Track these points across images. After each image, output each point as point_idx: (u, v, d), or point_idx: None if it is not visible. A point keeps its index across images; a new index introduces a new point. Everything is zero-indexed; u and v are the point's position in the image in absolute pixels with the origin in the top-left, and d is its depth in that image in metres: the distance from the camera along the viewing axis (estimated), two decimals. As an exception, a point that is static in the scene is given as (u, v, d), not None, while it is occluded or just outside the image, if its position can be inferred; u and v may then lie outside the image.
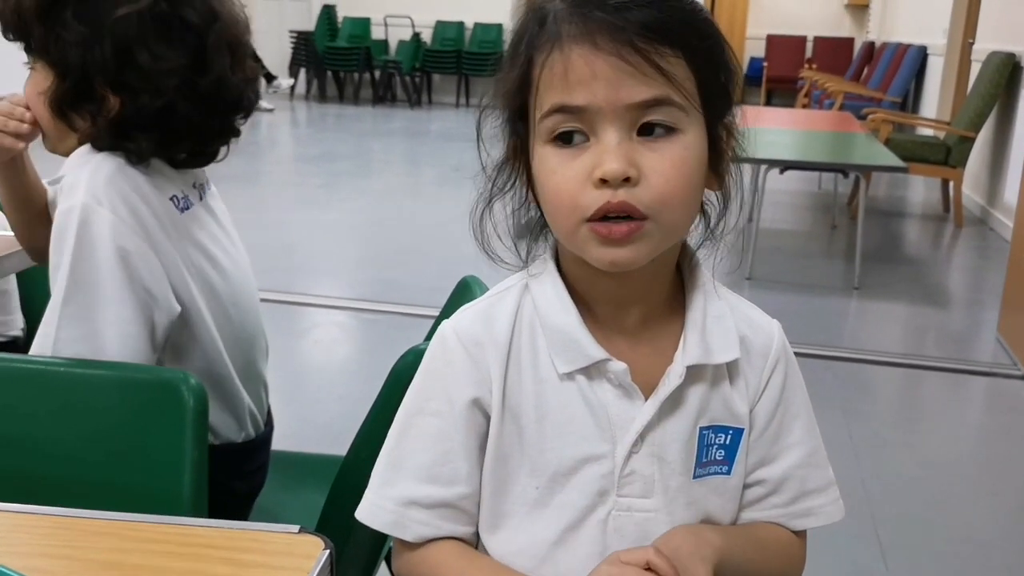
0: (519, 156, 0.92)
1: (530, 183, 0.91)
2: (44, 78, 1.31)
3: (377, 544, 1.41)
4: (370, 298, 4.13)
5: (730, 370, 0.93)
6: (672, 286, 0.94)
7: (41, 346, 1.23)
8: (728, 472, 0.94)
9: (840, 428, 2.89)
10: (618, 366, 0.89)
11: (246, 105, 1.38)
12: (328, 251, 5.05)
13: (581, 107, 0.81)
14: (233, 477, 1.42)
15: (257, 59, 1.42)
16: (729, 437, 0.93)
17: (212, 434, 1.36)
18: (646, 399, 0.90)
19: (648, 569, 0.84)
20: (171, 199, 1.34)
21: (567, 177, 0.83)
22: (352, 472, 1.25)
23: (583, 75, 0.81)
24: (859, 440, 2.85)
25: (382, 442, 1.21)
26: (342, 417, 2.67)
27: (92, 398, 1.19)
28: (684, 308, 0.93)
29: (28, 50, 1.33)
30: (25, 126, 1.38)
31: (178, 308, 1.29)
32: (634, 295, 0.92)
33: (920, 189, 7.37)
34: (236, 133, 1.40)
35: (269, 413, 1.55)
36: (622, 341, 0.91)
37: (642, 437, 0.90)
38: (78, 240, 1.21)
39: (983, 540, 2.41)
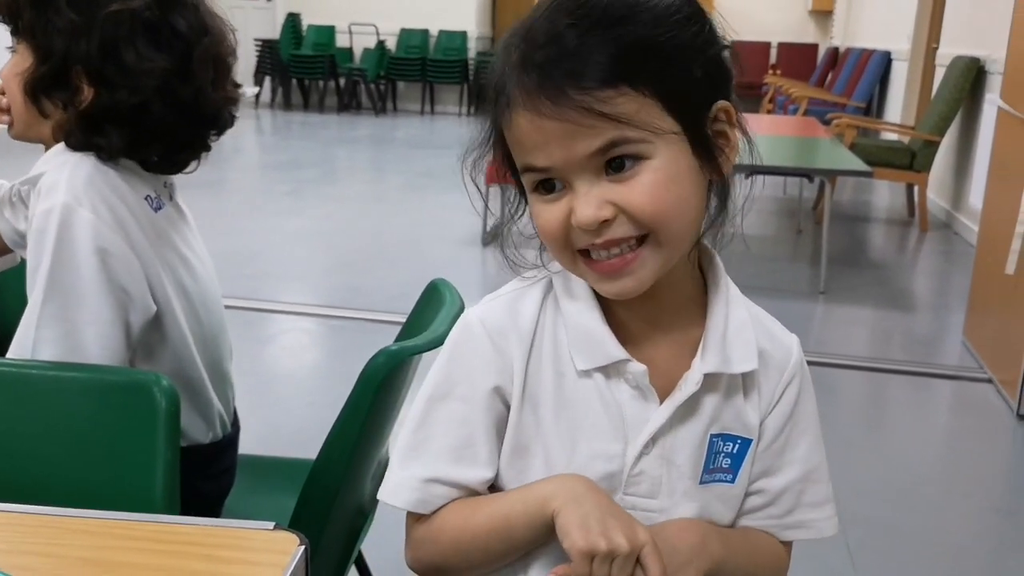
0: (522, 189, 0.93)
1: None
2: (23, 59, 1.32)
3: (348, 545, 1.40)
4: (336, 304, 4.10)
5: (746, 381, 0.95)
6: (694, 289, 0.95)
7: (21, 346, 1.25)
8: (732, 481, 0.95)
9: (809, 432, 2.88)
10: (637, 367, 0.90)
11: (221, 124, 1.40)
12: (294, 258, 5.01)
13: (544, 168, 0.84)
14: (201, 478, 1.42)
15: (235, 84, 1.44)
16: (737, 446, 0.95)
17: (181, 435, 1.36)
18: (660, 402, 0.91)
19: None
20: (145, 199, 1.35)
21: (550, 220, 0.86)
22: (324, 473, 1.27)
23: (536, 140, 0.83)
24: (827, 443, 2.84)
25: (355, 444, 1.22)
26: (309, 421, 2.64)
27: (65, 400, 1.20)
28: (705, 313, 0.94)
29: (14, 32, 1.33)
30: (5, 118, 1.39)
31: (154, 308, 1.31)
32: (651, 303, 0.92)
33: (885, 193, 7.43)
34: (207, 147, 1.41)
35: (235, 414, 1.56)
36: (641, 342, 0.93)
37: (654, 439, 0.92)
38: (58, 240, 1.22)
39: (951, 542, 2.41)
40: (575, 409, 0.91)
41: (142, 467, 1.15)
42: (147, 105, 1.29)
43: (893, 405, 3.41)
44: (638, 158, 0.82)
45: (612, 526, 0.84)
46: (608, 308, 0.92)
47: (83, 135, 1.30)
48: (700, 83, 0.84)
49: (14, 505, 0.94)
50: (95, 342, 1.24)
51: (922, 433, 3.14)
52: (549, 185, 0.85)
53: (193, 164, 1.42)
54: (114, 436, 1.18)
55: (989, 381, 3.42)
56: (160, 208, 1.37)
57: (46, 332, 1.23)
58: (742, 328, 0.93)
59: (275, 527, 0.89)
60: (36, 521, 0.92)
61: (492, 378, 0.92)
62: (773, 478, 0.97)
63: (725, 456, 0.94)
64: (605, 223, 0.83)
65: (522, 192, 0.92)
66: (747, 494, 0.97)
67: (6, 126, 1.41)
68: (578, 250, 0.86)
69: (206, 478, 1.45)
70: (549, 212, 0.85)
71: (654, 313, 0.93)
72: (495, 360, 0.92)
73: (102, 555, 0.87)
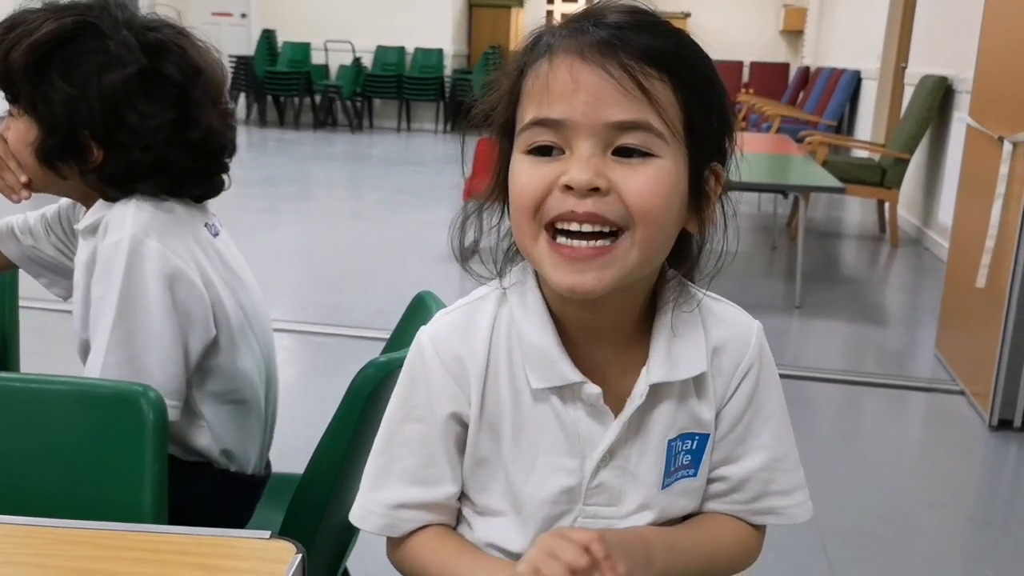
0: (500, 172, 0.91)
1: (507, 198, 0.90)
2: (29, 131, 1.33)
3: (336, 561, 1.40)
4: (314, 320, 4.09)
5: (697, 383, 0.94)
6: (647, 310, 0.95)
7: (91, 370, 1.29)
8: (695, 475, 0.96)
9: (786, 444, 2.91)
10: (592, 389, 0.90)
11: (230, 147, 1.44)
12: (272, 274, 4.99)
13: (560, 121, 0.82)
14: (232, 504, 1.46)
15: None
16: (696, 443, 0.95)
17: (229, 458, 1.43)
18: (615, 416, 0.92)
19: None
20: (205, 226, 1.40)
21: (533, 179, 0.84)
22: (312, 487, 1.27)
23: (566, 86, 0.82)
24: (804, 455, 2.87)
25: (342, 457, 1.22)
26: (289, 436, 2.63)
27: (52, 412, 1.20)
28: None
29: (12, 101, 1.35)
30: (21, 182, 1.38)
31: (214, 332, 1.35)
32: (605, 321, 0.92)
33: (856, 210, 7.51)
34: (225, 169, 1.45)
35: (268, 460, 1.58)
36: (594, 358, 0.93)
37: (610, 452, 0.92)
38: (127, 270, 1.27)
39: (929, 552, 2.44)
40: (533, 426, 0.92)
41: (130, 479, 1.15)
42: (163, 157, 1.33)
43: (868, 417, 3.45)
44: (649, 154, 0.82)
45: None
46: (560, 326, 0.92)
47: (114, 193, 1.34)
48: (712, 130, 0.87)
49: (0, 516, 0.93)
50: (156, 367, 1.28)
51: (897, 444, 3.17)
52: (544, 150, 0.84)
53: (227, 180, 1.47)
54: (101, 448, 1.18)
55: (961, 393, 3.47)
56: (217, 234, 1.43)
57: (114, 357, 1.27)
58: (689, 332, 0.93)
59: (271, 536, 0.89)
60: (23, 532, 0.91)
61: (448, 404, 0.93)
62: (734, 465, 0.97)
63: (685, 454, 0.95)
64: (595, 191, 0.81)
65: (502, 167, 0.91)
66: (710, 481, 0.98)
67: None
68: (547, 225, 0.84)
69: (238, 507, 1.47)
70: (536, 171, 0.83)
71: (606, 332, 0.93)
72: (449, 386, 0.93)
73: (92, 565, 0.87)
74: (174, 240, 1.31)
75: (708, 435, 0.95)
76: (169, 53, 1.33)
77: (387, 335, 1.53)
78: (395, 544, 0.98)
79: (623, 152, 0.82)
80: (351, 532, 1.46)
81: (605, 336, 0.93)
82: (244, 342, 1.42)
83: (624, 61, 0.81)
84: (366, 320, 3.97)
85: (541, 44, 0.86)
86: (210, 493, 1.41)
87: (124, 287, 1.26)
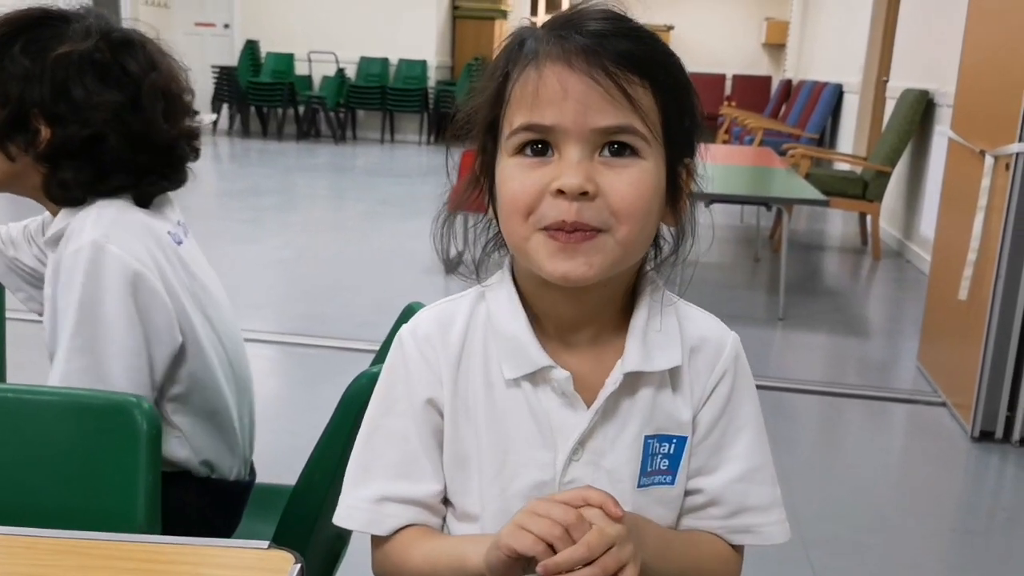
0: (485, 172, 0.94)
1: (492, 199, 0.94)
2: None
3: (327, 569, 1.40)
4: (298, 332, 4.08)
5: (673, 378, 0.96)
6: (625, 307, 0.97)
7: (53, 378, 1.29)
8: (672, 482, 0.96)
9: (770, 455, 2.92)
10: (561, 374, 0.92)
11: (179, 154, 1.43)
12: (255, 285, 4.98)
13: (549, 127, 0.86)
14: (217, 513, 1.46)
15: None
16: (673, 446, 0.95)
17: (209, 467, 1.43)
18: (590, 406, 0.92)
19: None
20: (168, 234, 1.40)
21: (525, 184, 0.87)
22: (305, 497, 1.27)
23: (555, 93, 0.85)
24: (788, 466, 2.89)
25: (336, 467, 1.22)
26: (276, 448, 2.63)
27: (45, 423, 1.19)
28: None
29: None
30: None
31: (180, 339, 1.35)
32: (583, 316, 0.94)
33: (838, 222, 7.56)
34: (179, 178, 1.44)
35: (252, 464, 1.58)
36: (569, 352, 0.94)
37: (582, 444, 0.92)
38: (87, 277, 1.26)
39: (912, 562, 2.46)
40: (505, 419, 0.93)
41: (123, 490, 1.15)
42: (101, 138, 1.33)
43: (851, 429, 3.47)
44: (636, 153, 0.87)
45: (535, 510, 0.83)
46: (538, 322, 0.94)
47: (47, 173, 1.34)
48: (684, 129, 0.91)
49: (-5, 527, 0.92)
50: (122, 374, 1.28)
51: (880, 456, 3.19)
52: (537, 149, 0.87)
53: (190, 174, 1.46)
54: (94, 459, 1.17)
55: (943, 405, 3.49)
56: (180, 242, 1.42)
57: (74, 364, 1.27)
58: (666, 327, 0.95)
59: (269, 546, 0.88)
60: (19, 543, 0.90)
61: (424, 390, 0.94)
62: (711, 476, 0.97)
63: (662, 458, 0.95)
64: (584, 195, 0.85)
65: (484, 173, 0.93)
66: (687, 493, 0.98)
67: None
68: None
69: (223, 515, 1.47)
70: (528, 177, 0.87)
71: (582, 330, 0.95)
72: (424, 371, 0.94)
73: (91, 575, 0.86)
74: (135, 244, 1.31)
75: (686, 438, 0.96)
76: (130, 48, 1.36)
77: (372, 347, 1.53)
78: (379, 545, 0.97)
79: (610, 152, 0.86)
80: (342, 542, 1.46)
81: (582, 329, 0.95)
82: (212, 352, 1.41)
83: (609, 68, 0.85)
84: (351, 332, 3.97)
85: (526, 49, 0.89)
86: (193, 502, 1.41)
87: (84, 294, 1.26)
